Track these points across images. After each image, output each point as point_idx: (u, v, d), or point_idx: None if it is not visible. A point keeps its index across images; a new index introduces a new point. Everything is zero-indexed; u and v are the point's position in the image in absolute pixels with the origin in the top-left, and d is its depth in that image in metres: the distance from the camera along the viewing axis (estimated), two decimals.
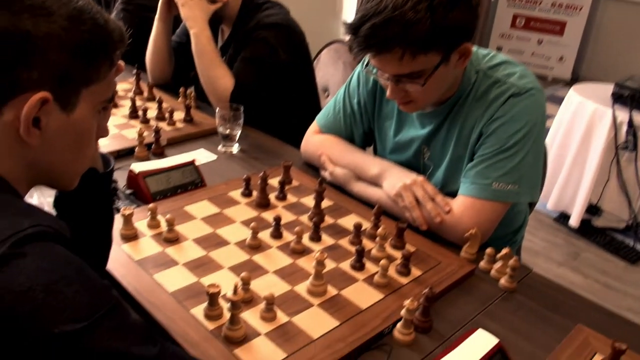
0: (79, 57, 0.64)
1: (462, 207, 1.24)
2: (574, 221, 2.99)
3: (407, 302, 0.95)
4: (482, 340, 0.90)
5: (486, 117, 1.25)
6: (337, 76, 2.25)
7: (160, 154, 1.53)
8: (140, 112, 1.69)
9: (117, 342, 0.58)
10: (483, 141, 1.25)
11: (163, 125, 1.68)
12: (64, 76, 0.64)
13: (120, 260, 1.05)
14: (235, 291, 0.87)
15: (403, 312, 0.96)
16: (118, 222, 1.09)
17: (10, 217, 0.58)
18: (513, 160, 1.22)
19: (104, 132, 0.78)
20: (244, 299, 0.96)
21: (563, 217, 3.13)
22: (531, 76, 1.27)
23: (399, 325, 0.97)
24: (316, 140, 1.53)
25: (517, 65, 1.29)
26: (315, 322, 0.95)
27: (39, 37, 0.61)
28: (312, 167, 1.55)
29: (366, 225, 1.24)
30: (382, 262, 1.06)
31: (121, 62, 0.75)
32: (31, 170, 0.68)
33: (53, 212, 0.90)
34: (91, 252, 0.92)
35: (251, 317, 0.95)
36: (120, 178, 1.35)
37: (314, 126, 1.57)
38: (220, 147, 1.61)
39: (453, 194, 1.29)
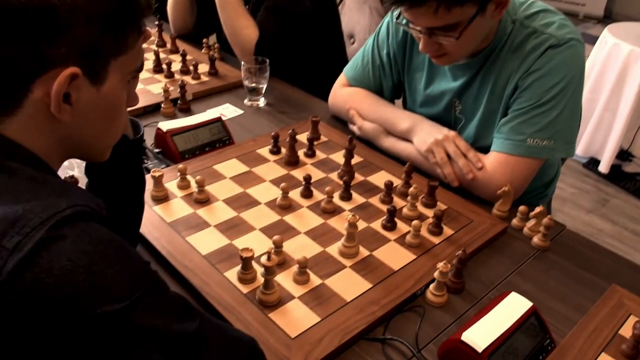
0: (106, 28, 0.62)
1: (495, 163, 1.21)
2: (603, 167, 2.94)
3: (440, 265, 0.94)
4: (516, 304, 0.89)
5: (522, 70, 1.20)
6: (363, 22, 2.18)
7: (186, 110, 1.51)
8: (164, 66, 1.67)
9: (158, 320, 0.58)
10: (518, 95, 1.21)
11: (188, 79, 1.66)
12: (92, 50, 0.62)
13: (153, 222, 1.06)
14: (268, 257, 0.87)
15: (436, 274, 0.95)
16: (148, 183, 1.09)
17: (46, 198, 0.57)
18: (549, 115, 1.17)
19: (133, 101, 0.77)
20: (278, 263, 0.96)
21: (592, 163, 3.07)
22: (571, 26, 1.21)
23: (431, 287, 0.97)
24: (344, 94, 1.49)
25: (556, 14, 1.22)
26: (348, 285, 0.96)
27: (64, 11, 0.58)
28: (340, 121, 1.52)
29: (397, 182, 1.23)
30: (414, 222, 1.05)
31: (148, 29, 0.72)
32: (63, 145, 0.67)
33: (84, 177, 0.90)
34: (124, 218, 0.93)
35: (284, 280, 0.95)
36: (147, 136, 1.34)
37: (341, 78, 1.53)
38: (246, 101, 1.59)
39: (485, 149, 1.26)
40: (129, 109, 0.79)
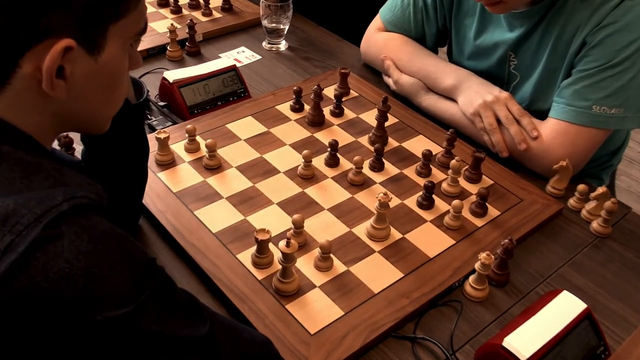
0: None
1: (554, 132, 1.19)
2: None
3: (482, 256, 0.95)
4: (568, 305, 0.90)
5: (592, 23, 1.16)
6: None
7: (195, 54, 1.50)
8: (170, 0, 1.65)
9: (164, 325, 0.60)
10: (586, 53, 1.18)
11: (198, 15, 1.64)
12: (89, 16, 0.61)
13: (158, 192, 1.07)
14: (287, 244, 0.88)
15: (477, 265, 0.96)
16: (153, 145, 1.09)
17: (40, 188, 0.58)
18: (621, 79, 1.14)
19: (136, 64, 0.77)
20: (297, 247, 0.96)
21: None
22: None
23: (471, 278, 0.98)
24: (379, 40, 1.47)
25: None
26: (376, 273, 0.97)
27: None
28: (374, 71, 1.51)
29: (436, 150, 1.22)
30: (455, 203, 1.05)
31: None
32: (57, 121, 0.67)
33: (79, 146, 0.91)
34: (125, 190, 0.94)
35: (304, 265, 0.97)
36: (151, 85, 1.34)
37: (377, 21, 1.51)
38: (265, 44, 1.58)
39: (542, 113, 1.24)
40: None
